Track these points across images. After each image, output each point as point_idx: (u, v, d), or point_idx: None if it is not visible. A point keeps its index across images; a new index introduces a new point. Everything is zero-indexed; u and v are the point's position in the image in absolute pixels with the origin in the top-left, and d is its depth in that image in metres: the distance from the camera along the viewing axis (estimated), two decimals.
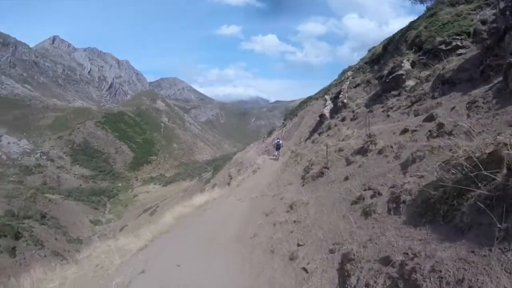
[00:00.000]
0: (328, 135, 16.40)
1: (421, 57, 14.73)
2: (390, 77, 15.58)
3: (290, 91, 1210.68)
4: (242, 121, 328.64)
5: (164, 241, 8.20)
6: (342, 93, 27.00)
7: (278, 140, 31.38)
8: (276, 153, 27.88)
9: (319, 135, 20.36)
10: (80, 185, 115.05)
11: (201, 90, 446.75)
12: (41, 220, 66.09)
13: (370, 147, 7.26)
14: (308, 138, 30.58)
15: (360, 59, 38.35)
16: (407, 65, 15.23)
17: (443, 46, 13.18)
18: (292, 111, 67.90)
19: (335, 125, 18.58)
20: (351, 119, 17.00)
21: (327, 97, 31.96)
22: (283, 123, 59.47)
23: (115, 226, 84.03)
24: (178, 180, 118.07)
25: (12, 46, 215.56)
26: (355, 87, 26.10)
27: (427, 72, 12.60)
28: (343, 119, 18.54)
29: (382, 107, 13.77)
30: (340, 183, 6.76)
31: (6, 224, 52.26)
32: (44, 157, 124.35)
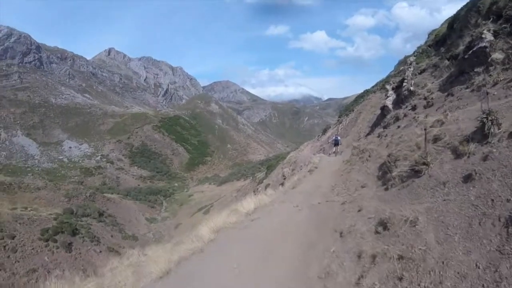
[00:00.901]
0: (398, 127, 13.79)
1: (503, 26, 12.24)
2: (470, 52, 12.84)
3: (343, 87, 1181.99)
4: (294, 120, 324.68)
5: (193, 267, 6.31)
6: (405, 81, 24.25)
7: (336, 136, 30.52)
8: (334, 149, 27.37)
9: (385, 128, 17.70)
10: (138, 185, 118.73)
11: (253, 91, 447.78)
12: (98, 217, 67.65)
13: (492, 130, 4.83)
14: (369, 133, 28.17)
15: (418, 47, 35.32)
16: (489, 36, 12.63)
17: None
18: (347, 107, 64.78)
19: (405, 115, 15.95)
20: (425, 107, 14.44)
21: (388, 87, 28.98)
22: (338, 120, 56.71)
23: (170, 224, 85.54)
24: (232, 180, 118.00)
25: (70, 60, 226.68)
26: (420, 73, 23.30)
27: None
28: (413, 108, 15.89)
29: (467, 87, 11.19)
30: (460, 187, 4.36)
31: (65, 222, 53.85)
32: (104, 159, 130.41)
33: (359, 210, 6.13)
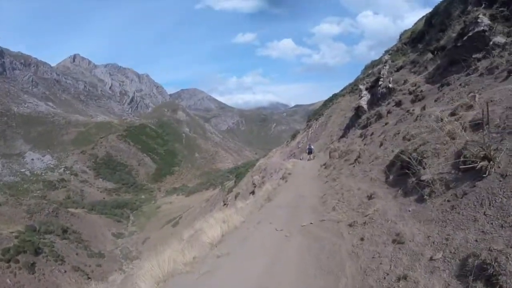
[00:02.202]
0: (386, 123, 12.18)
1: (501, 9, 11.60)
2: (464, 39, 11.99)
3: (310, 94, 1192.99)
4: (262, 127, 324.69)
5: None
6: (381, 79, 23.51)
7: (309, 144, 31.35)
8: (308, 157, 27.39)
9: (366, 128, 16.22)
10: (104, 198, 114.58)
11: (220, 99, 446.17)
12: (62, 234, 64.68)
13: None
14: (343, 135, 27.22)
15: (385, 51, 35.43)
16: (485, 20, 11.98)
17: None
18: (316, 111, 64.40)
19: (389, 112, 14.62)
20: (413, 101, 13.35)
21: (362, 87, 28.14)
22: (307, 125, 55.85)
23: (137, 238, 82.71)
24: (201, 190, 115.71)
25: (33, 66, 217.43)
26: (397, 70, 22.63)
27: None
28: (398, 104, 14.69)
29: (469, 73, 9.99)
30: None
31: (27, 240, 51.01)
32: (68, 171, 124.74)
33: (397, 242, 3.84)
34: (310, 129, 49.26)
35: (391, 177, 5.75)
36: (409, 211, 4.43)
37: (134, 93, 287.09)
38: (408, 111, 10.55)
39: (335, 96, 55.23)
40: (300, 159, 30.54)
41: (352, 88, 44.66)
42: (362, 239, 4.59)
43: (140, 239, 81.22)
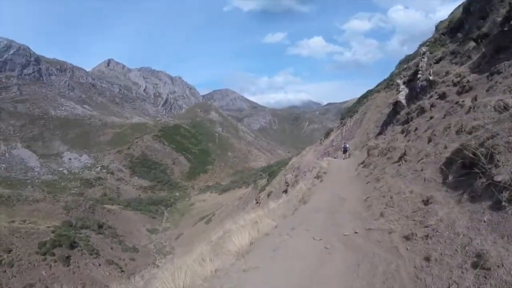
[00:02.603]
0: (431, 117, 11.16)
1: None
2: None
3: (342, 92, 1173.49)
4: (295, 126, 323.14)
5: None
6: (420, 72, 22.26)
7: (344, 143, 31.04)
8: (343, 156, 27.21)
9: (407, 123, 15.13)
10: (139, 195, 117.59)
11: (252, 98, 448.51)
12: (98, 229, 66.47)
13: None
14: (380, 132, 26.07)
15: (421, 44, 33.82)
16: None
17: None
18: (350, 108, 62.75)
19: (432, 105, 13.47)
20: (459, 92, 12.08)
21: (399, 81, 26.82)
22: (341, 122, 54.40)
23: (171, 234, 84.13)
24: (233, 188, 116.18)
25: (69, 71, 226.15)
26: (436, 62, 21.20)
27: None
28: (441, 96, 13.48)
29: None
30: None
31: (63, 234, 52.62)
32: (104, 170, 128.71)
33: (479, 267, 2.83)
34: (344, 127, 47.94)
35: (450, 177, 4.81)
36: (484, 221, 3.48)
37: (167, 95, 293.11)
38: (457, 103, 9.51)
39: (369, 93, 53.49)
40: (335, 158, 29.63)
41: (388, 84, 43.03)
42: (427, 259, 3.58)
43: (173, 235, 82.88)
